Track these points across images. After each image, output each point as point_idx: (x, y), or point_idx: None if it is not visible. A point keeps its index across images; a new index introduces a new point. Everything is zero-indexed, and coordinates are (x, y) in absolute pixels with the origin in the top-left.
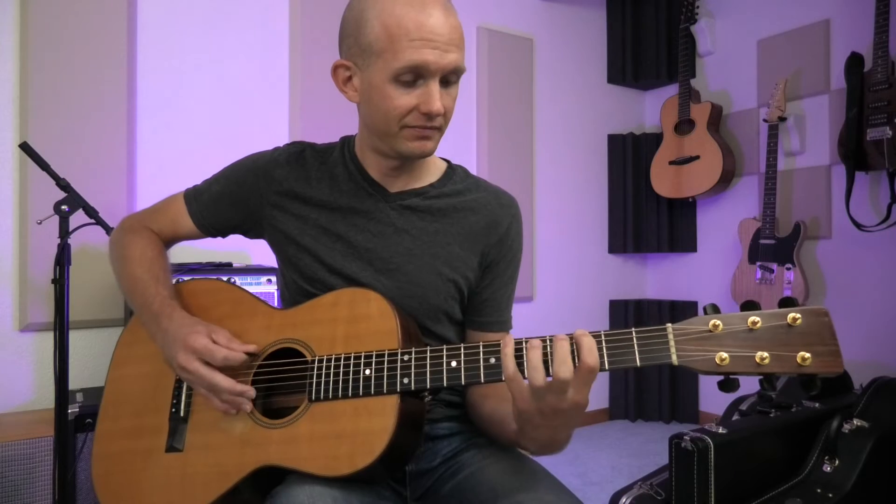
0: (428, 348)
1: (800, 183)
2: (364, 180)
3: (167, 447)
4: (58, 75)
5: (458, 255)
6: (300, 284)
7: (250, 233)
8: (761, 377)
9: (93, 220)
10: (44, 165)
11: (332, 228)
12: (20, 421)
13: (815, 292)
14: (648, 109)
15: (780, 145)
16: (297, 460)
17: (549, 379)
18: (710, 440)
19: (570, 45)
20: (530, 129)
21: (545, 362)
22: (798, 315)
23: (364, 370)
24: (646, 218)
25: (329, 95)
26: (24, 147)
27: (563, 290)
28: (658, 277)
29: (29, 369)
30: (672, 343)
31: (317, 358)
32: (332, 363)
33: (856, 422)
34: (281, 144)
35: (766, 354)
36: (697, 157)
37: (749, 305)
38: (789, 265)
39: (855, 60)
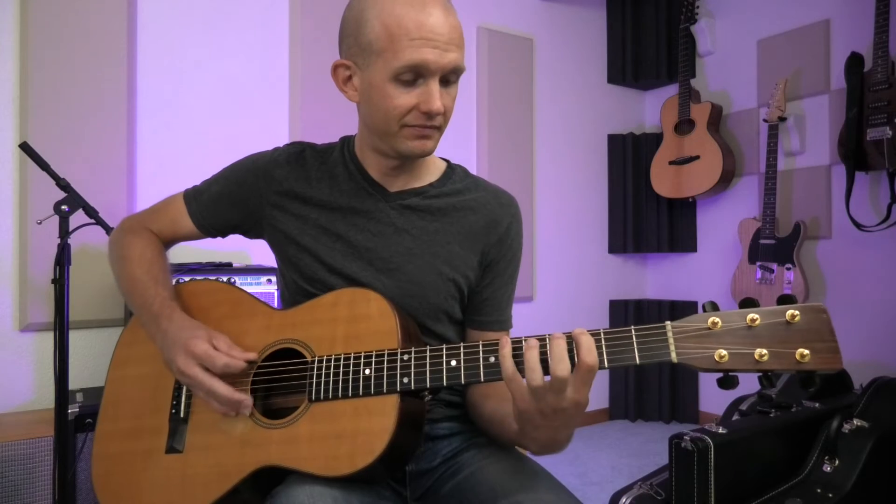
0: (427, 348)
1: (800, 183)
2: (364, 180)
3: (167, 448)
4: (58, 75)
5: (458, 255)
6: (300, 284)
7: (250, 233)
8: (760, 374)
9: (93, 220)
10: (44, 165)
11: (332, 228)
12: (20, 421)
13: (815, 292)
14: (648, 109)
15: (780, 145)
16: (297, 460)
17: (548, 378)
18: (710, 440)
19: (570, 45)
20: (530, 129)
21: (543, 362)
22: (797, 312)
23: (364, 370)
24: (646, 218)
25: (329, 95)
26: (24, 147)
27: (563, 290)
28: (658, 277)
29: (29, 369)
30: (671, 341)
31: (316, 358)
32: (332, 363)
33: (856, 422)
34: (281, 144)
35: (764, 351)
36: (697, 157)
37: (748, 303)
38: (789, 265)
39: (855, 60)
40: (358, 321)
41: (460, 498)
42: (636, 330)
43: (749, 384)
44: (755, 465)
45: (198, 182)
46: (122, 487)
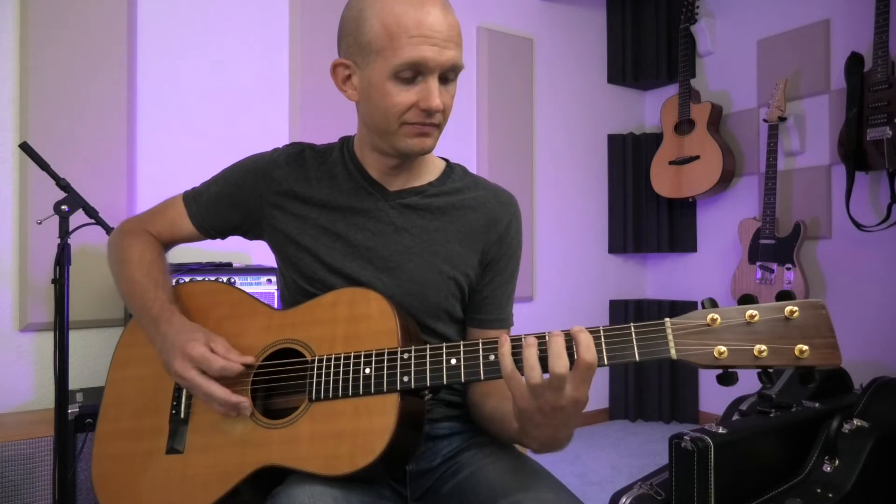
0: (427, 346)
1: (800, 183)
2: (364, 179)
3: (167, 449)
4: (58, 75)
5: (458, 253)
6: (300, 284)
7: (249, 234)
8: (759, 370)
9: (93, 220)
10: (44, 165)
11: (331, 228)
12: (20, 421)
13: (815, 292)
14: (648, 109)
15: (780, 145)
16: (297, 460)
17: (547, 376)
18: (710, 440)
19: (570, 45)
20: (530, 129)
21: (542, 360)
22: (795, 308)
23: (364, 369)
24: (646, 218)
25: (329, 95)
26: (24, 147)
27: (563, 290)
28: (658, 277)
29: (29, 369)
30: (670, 337)
31: (316, 358)
32: (332, 363)
33: (856, 422)
34: (280, 145)
35: (764, 347)
36: (697, 157)
37: (747, 299)
38: (789, 265)
39: (855, 60)
40: (358, 321)
41: (460, 498)
42: (635, 327)
43: (749, 384)
44: (755, 465)
45: (197, 183)
46: (122, 488)
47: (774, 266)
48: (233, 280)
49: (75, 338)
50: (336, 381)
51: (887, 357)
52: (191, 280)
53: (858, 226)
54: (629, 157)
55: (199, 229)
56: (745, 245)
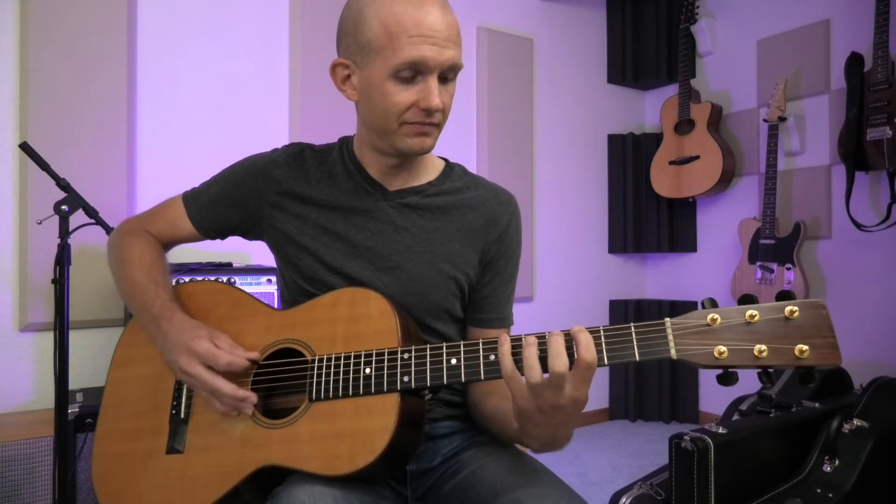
0: (428, 346)
1: (800, 183)
2: (363, 179)
3: (167, 449)
4: (58, 75)
5: (458, 252)
6: (300, 284)
7: (249, 234)
8: (760, 370)
9: (93, 220)
10: (44, 165)
11: (331, 227)
12: (20, 421)
13: (815, 292)
14: (648, 109)
15: (780, 145)
16: (297, 460)
17: (547, 376)
18: (710, 440)
19: (570, 45)
20: (530, 129)
21: (542, 360)
22: (795, 308)
23: (364, 369)
24: (646, 218)
25: (329, 95)
26: (24, 147)
27: (563, 290)
28: (658, 277)
29: (29, 369)
30: (671, 337)
31: (317, 357)
32: (332, 362)
33: (856, 422)
34: (280, 145)
35: (764, 347)
36: (697, 157)
37: (747, 299)
38: (789, 265)
39: (855, 60)
40: (358, 321)
41: (461, 497)
42: (636, 327)
43: (749, 384)
44: (755, 465)
45: (197, 183)
46: (122, 488)
47: (774, 266)
48: (233, 280)
49: (75, 338)
50: (336, 381)
51: (887, 357)
52: (191, 280)
53: (858, 226)
54: (629, 157)
55: (198, 229)
56: (745, 245)
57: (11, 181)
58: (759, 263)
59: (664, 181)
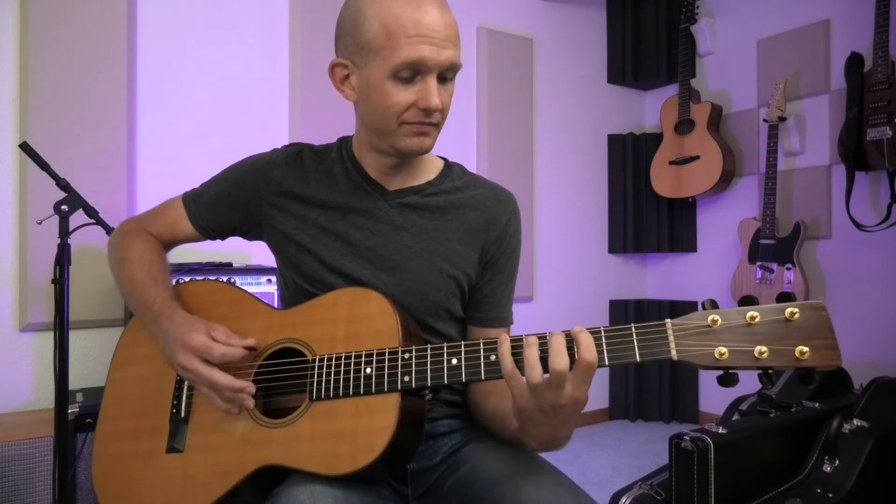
0: (428, 346)
1: (800, 183)
2: (362, 179)
3: (168, 448)
4: (58, 75)
5: (458, 252)
6: (300, 284)
7: (249, 234)
8: (760, 371)
9: (93, 220)
10: (44, 165)
11: (331, 227)
12: (20, 421)
13: (815, 292)
14: (648, 109)
15: (780, 145)
16: (298, 459)
17: (547, 376)
18: (710, 440)
19: (570, 45)
20: (530, 129)
21: (543, 360)
22: (796, 309)
23: (364, 369)
24: (646, 218)
25: (329, 95)
26: (24, 147)
27: (563, 290)
28: (658, 277)
29: (29, 369)
30: (671, 338)
31: (317, 357)
32: (333, 362)
33: (856, 422)
34: (280, 145)
35: (764, 349)
36: (697, 157)
37: (747, 300)
38: (789, 265)
39: (855, 60)
40: (358, 320)
41: (462, 492)
42: (636, 327)
43: (749, 384)
44: (755, 465)
45: (197, 183)
46: (122, 488)
47: (774, 266)
48: (233, 280)
49: (75, 338)
50: (337, 381)
51: (887, 357)
52: (191, 280)
53: (858, 226)
54: (629, 157)
55: (198, 230)
56: (745, 245)
57: (11, 181)
58: (759, 263)
59: (664, 181)
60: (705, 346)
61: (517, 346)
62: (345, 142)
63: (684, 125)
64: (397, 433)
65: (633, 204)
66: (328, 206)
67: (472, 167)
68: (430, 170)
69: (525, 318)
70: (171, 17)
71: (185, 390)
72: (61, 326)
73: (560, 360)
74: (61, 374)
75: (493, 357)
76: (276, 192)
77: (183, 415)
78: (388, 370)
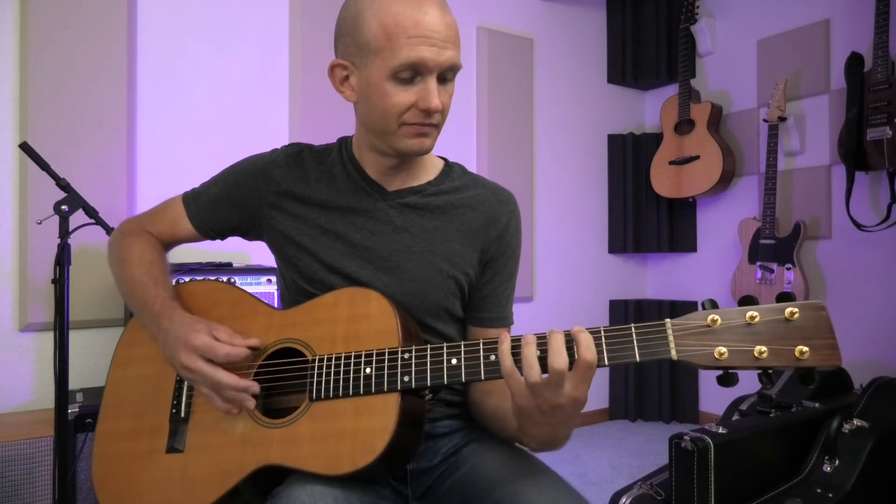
0: (428, 346)
1: (800, 183)
2: (362, 179)
3: (168, 448)
4: (58, 75)
5: (458, 252)
6: (300, 285)
7: (249, 234)
8: (760, 371)
9: (93, 220)
10: (44, 165)
11: (330, 228)
12: (20, 421)
13: (815, 292)
14: (648, 109)
15: (780, 145)
16: (298, 459)
17: (546, 376)
18: (710, 440)
19: (570, 45)
20: (530, 129)
21: (542, 359)
22: (796, 309)
23: (364, 369)
24: (646, 218)
25: (329, 95)
26: (24, 147)
27: (563, 290)
28: (658, 277)
29: (29, 369)
30: (671, 338)
31: (317, 357)
32: (333, 362)
33: (856, 422)
34: (280, 145)
35: (764, 348)
36: (697, 157)
37: (747, 300)
38: (789, 265)
39: (855, 60)
40: (358, 321)
41: (461, 492)
42: (636, 327)
43: (749, 384)
44: (755, 465)
45: (197, 183)
46: (122, 488)
47: (774, 266)
48: (233, 280)
49: (75, 338)
50: (336, 381)
51: (887, 357)
52: (191, 280)
53: (858, 226)
54: (629, 157)
55: (198, 230)
56: (745, 245)
57: (11, 181)
58: (759, 263)
59: (664, 181)
60: (705, 346)
61: (517, 346)
62: (345, 142)
63: (684, 125)
64: (397, 433)
65: (633, 204)
66: (328, 207)
67: (472, 167)
68: (430, 170)
69: (525, 318)
70: (171, 17)
71: (184, 390)
72: (61, 326)
73: (559, 358)
74: (61, 374)
75: (492, 357)
76: (276, 193)
77: (183, 415)
78: (387, 370)
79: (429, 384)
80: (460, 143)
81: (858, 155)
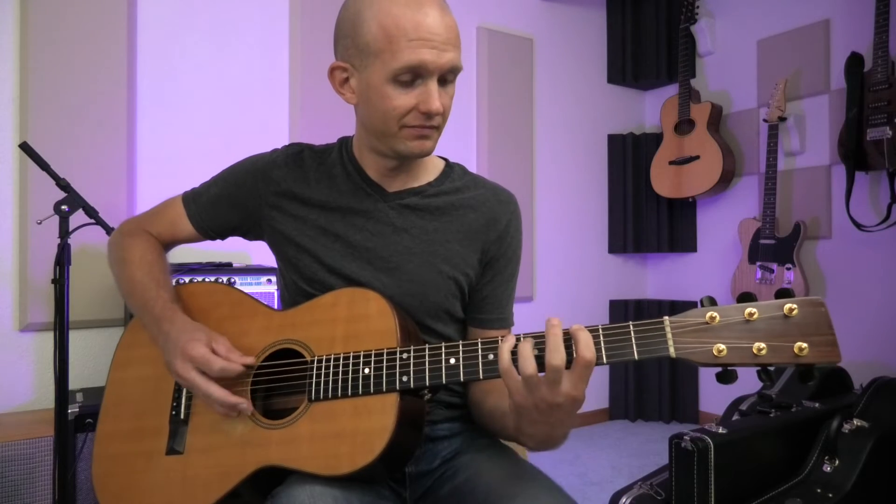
0: (427, 346)
1: (800, 183)
2: (362, 180)
3: (167, 449)
4: (58, 75)
5: (458, 253)
6: (300, 285)
7: (249, 234)
8: (759, 368)
9: (93, 220)
10: (44, 165)
11: (330, 228)
12: (20, 421)
13: (815, 292)
14: (648, 109)
15: (780, 145)
16: (297, 460)
17: (543, 374)
18: (710, 440)
19: (570, 45)
20: (530, 129)
21: (540, 358)
22: (795, 306)
23: (363, 369)
24: (646, 218)
25: (329, 95)
26: (24, 147)
27: (563, 290)
28: (658, 277)
29: (29, 369)
30: (669, 335)
31: (316, 358)
32: (332, 363)
33: (856, 422)
34: (280, 145)
35: (763, 345)
36: (697, 157)
37: (746, 297)
38: (789, 265)
39: (855, 60)
40: (357, 321)
41: (458, 500)
42: (634, 325)
43: (749, 384)
44: (755, 465)
45: (197, 183)
46: (122, 488)
47: (774, 266)
48: (233, 280)
49: (75, 338)
50: (335, 381)
51: (887, 357)
52: (191, 280)
53: (858, 226)
54: (629, 157)
55: (198, 230)
56: (745, 245)
57: (11, 181)
58: (759, 263)
59: (664, 181)
60: (704, 343)
61: (516, 345)
62: (345, 142)
63: (684, 125)
64: (396, 433)
65: (633, 204)
66: (328, 207)
67: (472, 167)
68: (430, 171)
69: (525, 318)
70: (171, 17)
71: (184, 392)
72: (61, 326)
73: (557, 355)
74: (61, 374)
75: (490, 356)
76: (276, 193)
77: (182, 416)
78: (386, 370)
79: (427, 384)
80: (460, 143)
81: (858, 155)
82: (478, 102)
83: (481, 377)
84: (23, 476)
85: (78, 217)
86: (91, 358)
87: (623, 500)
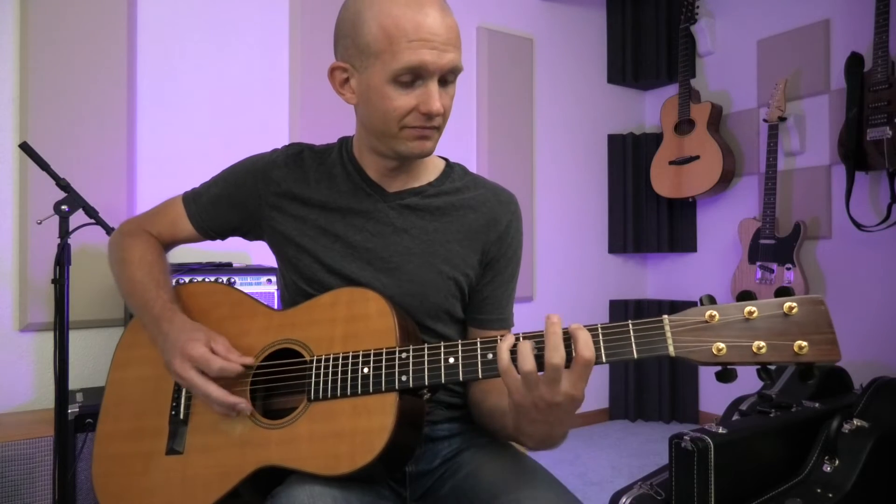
0: (426, 346)
1: (800, 183)
2: (362, 180)
3: (167, 450)
4: (58, 75)
5: (458, 253)
6: (299, 285)
7: (249, 234)
8: (759, 367)
9: (93, 220)
10: (44, 165)
11: (330, 229)
12: (20, 421)
13: (814, 292)
14: (648, 109)
15: (780, 145)
16: (297, 460)
17: (542, 374)
18: (710, 440)
19: (570, 45)
20: (530, 129)
21: (539, 357)
22: (794, 304)
23: (362, 369)
24: (646, 218)
25: (329, 96)
26: (24, 147)
27: (563, 290)
28: (658, 277)
29: (29, 369)
30: (669, 334)
31: (315, 358)
32: (331, 362)
33: (856, 422)
34: (280, 145)
35: (762, 344)
36: (697, 157)
37: (745, 295)
38: (789, 265)
39: (855, 60)
40: (356, 321)
41: (459, 498)
42: (634, 324)
43: (749, 384)
44: (755, 465)
45: (197, 183)
46: (122, 488)
47: (774, 266)
48: (233, 280)
49: (75, 338)
50: (335, 381)
51: (887, 357)
52: (191, 280)
53: (858, 226)
54: (629, 157)
55: (198, 230)
56: (745, 245)
57: (11, 181)
58: (759, 263)
59: (664, 181)
60: (703, 342)
61: (515, 345)
62: (345, 142)
63: (684, 125)
64: (395, 433)
65: (633, 204)
66: (328, 208)
67: (472, 167)
68: (430, 171)
69: (525, 318)
70: (171, 17)
71: (184, 392)
72: (61, 326)
73: (556, 354)
74: (61, 374)
75: (489, 356)
76: (276, 193)
77: (182, 416)
78: (385, 370)
79: (426, 384)
80: (460, 143)
81: (858, 155)
82: (478, 102)
83: (480, 376)
84: (23, 476)
85: (78, 217)
86: (91, 358)
87: (623, 500)
